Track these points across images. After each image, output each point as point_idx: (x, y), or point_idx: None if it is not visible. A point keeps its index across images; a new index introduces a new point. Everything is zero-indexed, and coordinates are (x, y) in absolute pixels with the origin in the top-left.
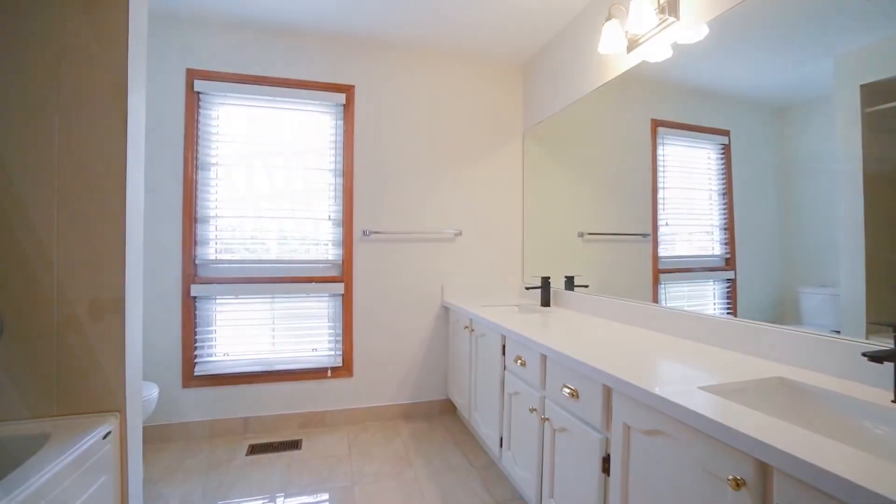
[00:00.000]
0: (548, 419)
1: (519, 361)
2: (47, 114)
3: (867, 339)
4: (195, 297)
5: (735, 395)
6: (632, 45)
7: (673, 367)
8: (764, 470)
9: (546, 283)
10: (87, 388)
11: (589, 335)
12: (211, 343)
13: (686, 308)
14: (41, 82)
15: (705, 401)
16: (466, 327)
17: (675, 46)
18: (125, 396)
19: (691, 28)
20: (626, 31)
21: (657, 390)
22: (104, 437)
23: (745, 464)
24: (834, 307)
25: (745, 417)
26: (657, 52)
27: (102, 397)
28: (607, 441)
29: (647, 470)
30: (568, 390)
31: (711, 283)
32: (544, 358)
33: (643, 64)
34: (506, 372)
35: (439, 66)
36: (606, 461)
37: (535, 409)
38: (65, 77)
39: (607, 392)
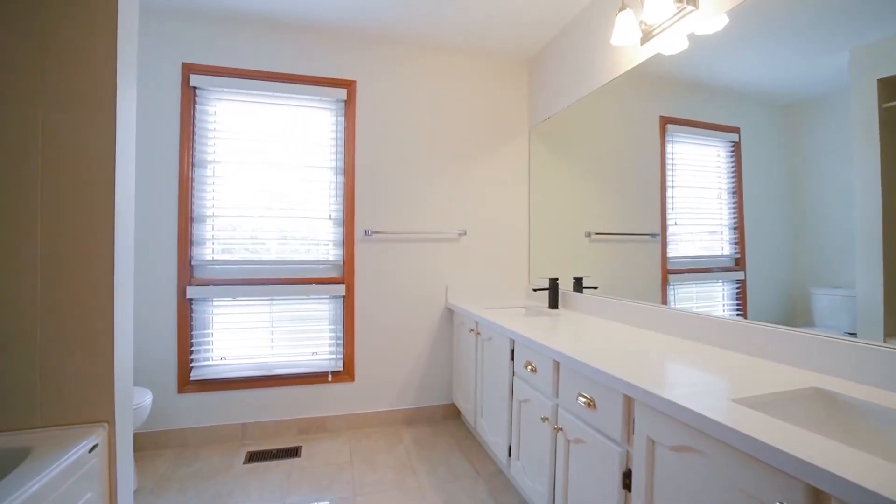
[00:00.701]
0: (561, 429)
1: (529, 367)
2: (31, 108)
3: (885, 342)
4: (191, 300)
5: (771, 407)
6: (646, 36)
7: (696, 375)
8: (818, 497)
9: (554, 284)
10: (73, 398)
11: (603, 340)
12: (208, 347)
13: (695, 310)
14: (24, 74)
15: (743, 416)
16: (472, 330)
17: (692, 38)
18: (114, 406)
19: (710, 18)
20: (641, 22)
21: (687, 403)
22: (90, 451)
23: (794, 490)
24: (847, 308)
25: (792, 436)
26: (672, 43)
27: (90, 407)
28: (628, 455)
29: (675, 489)
30: (584, 399)
31: (721, 284)
32: (557, 364)
33: (657, 57)
34: (515, 378)
35: (443, 61)
36: (627, 477)
37: (548, 419)
38: (49, 69)
39: (628, 402)
